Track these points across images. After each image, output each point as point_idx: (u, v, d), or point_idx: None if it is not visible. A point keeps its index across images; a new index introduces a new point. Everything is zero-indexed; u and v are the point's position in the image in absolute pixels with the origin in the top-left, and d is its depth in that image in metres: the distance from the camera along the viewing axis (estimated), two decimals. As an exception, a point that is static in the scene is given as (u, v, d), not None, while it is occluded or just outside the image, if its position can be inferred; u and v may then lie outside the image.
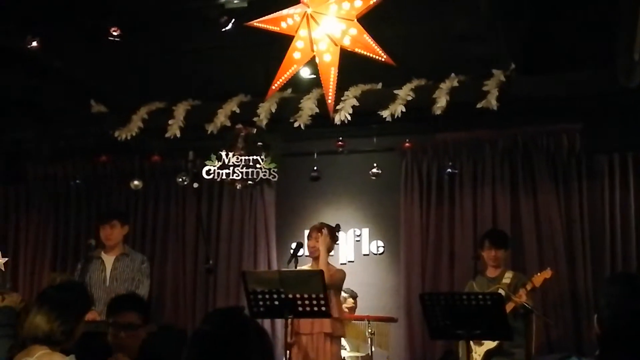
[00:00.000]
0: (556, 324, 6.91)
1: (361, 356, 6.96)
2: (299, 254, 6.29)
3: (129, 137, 7.31)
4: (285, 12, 4.82)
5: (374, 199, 8.07)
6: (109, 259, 6.96)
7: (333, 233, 6.40)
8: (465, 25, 5.82)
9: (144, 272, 7.10)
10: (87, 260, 6.81)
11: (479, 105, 6.36)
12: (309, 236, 6.43)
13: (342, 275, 6.33)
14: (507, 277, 6.63)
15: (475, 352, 6.40)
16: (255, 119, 6.93)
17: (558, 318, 7.00)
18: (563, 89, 6.36)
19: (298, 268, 6.19)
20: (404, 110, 6.55)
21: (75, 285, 3.90)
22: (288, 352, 5.69)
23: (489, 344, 6.30)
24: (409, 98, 6.58)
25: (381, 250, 8.07)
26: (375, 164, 7.38)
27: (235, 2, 5.43)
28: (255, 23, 4.89)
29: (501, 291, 6.15)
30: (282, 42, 5.00)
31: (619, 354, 2.03)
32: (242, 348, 2.30)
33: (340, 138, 7.29)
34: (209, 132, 7.11)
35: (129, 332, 4.19)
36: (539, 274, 6.44)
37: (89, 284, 6.66)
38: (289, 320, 5.63)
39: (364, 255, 8.09)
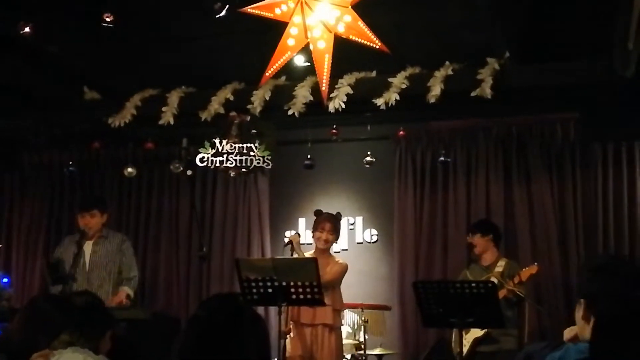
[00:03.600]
0: (549, 312, 6.93)
1: (354, 344, 6.98)
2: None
3: (122, 124, 7.29)
4: (279, -2, 4.82)
5: (367, 187, 8.06)
6: (87, 244, 6.93)
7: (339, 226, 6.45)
8: (460, 13, 5.81)
9: (126, 252, 7.04)
10: (79, 247, 6.78)
11: (473, 94, 6.36)
12: (321, 227, 6.36)
13: (345, 268, 6.35)
14: (500, 265, 6.66)
15: (465, 339, 6.43)
16: (249, 106, 6.92)
17: (551, 306, 7.02)
18: (558, 78, 6.36)
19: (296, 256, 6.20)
20: (398, 98, 6.54)
21: (95, 305, 3.84)
22: (283, 340, 5.70)
23: (476, 332, 6.31)
24: (403, 86, 6.57)
25: (375, 238, 8.07)
26: (369, 152, 7.38)
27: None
28: (249, 9, 4.88)
29: (494, 279, 6.18)
30: (276, 28, 4.99)
31: (615, 342, 2.03)
32: (238, 334, 2.30)
33: (335, 126, 7.28)
34: (202, 119, 7.09)
35: None
36: (526, 268, 6.45)
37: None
38: (287, 308, 5.65)
39: (358, 243, 8.09)
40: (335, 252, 7.65)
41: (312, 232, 6.48)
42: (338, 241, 6.65)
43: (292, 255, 6.15)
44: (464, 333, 6.28)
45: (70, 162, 8.22)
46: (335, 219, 6.39)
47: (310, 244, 6.70)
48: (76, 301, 3.84)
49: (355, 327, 7.05)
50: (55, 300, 4.34)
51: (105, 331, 3.67)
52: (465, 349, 6.36)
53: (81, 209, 7.06)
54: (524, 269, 6.44)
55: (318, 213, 6.50)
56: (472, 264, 6.82)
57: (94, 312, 3.72)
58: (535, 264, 6.51)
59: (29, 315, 4.00)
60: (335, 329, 6.22)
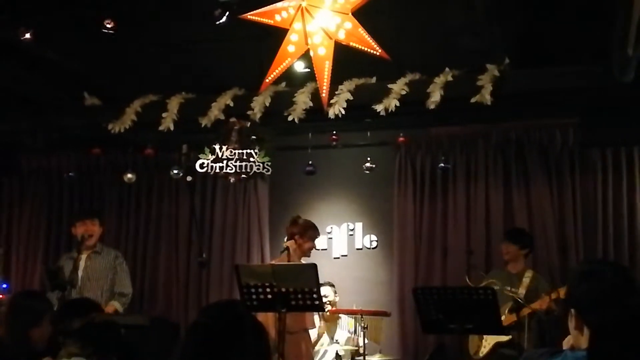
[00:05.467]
0: (547, 318, 6.92)
1: (353, 350, 6.98)
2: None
3: (122, 130, 7.28)
4: (279, 4, 4.81)
5: (367, 193, 8.07)
6: (82, 258, 6.88)
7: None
8: (460, 19, 5.81)
9: (119, 268, 7.02)
10: (75, 259, 6.74)
11: (472, 100, 6.35)
12: (317, 236, 6.50)
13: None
14: (527, 277, 6.72)
15: (486, 340, 6.48)
16: (249, 112, 6.91)
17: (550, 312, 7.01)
18: (557, 83, 6.35)
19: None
20: (398, 104, 6.54)
21: (110, 325, 3.84)
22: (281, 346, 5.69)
23: (501, 337, 6.32)
24: (403, 92, 6.56)
25: (374, 244, 8.08)
26: (369, 158, 7.39)
27: (229, -5, 5.40)
28: (250, 16, 4.88)
29: (522, 290, 6.41)
30: (277, 35, 4.99)
31: (613, 349, 2.03)
32: (239, 341, 2.30)
33: (334, 132, 7.29)
34: (202, 125, 7.08)
35: None
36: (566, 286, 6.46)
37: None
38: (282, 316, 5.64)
39: (358, 249, 8.10)
40: (334, 258, 7.69)
41: (303, 240, 6.41)
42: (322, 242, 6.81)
43: (289, 260, 6.15)
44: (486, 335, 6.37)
45: (70, 168, 8.23)
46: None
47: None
48: (95, 318, 3.83)
49: (354, 333, 7.05)
50: (30, 293, 4.39)
51: (114, 352, 3.67)
52: (485, 350, 6.42)
53: (83, 217, 7.07)
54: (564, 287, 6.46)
55: (303, 222, 6.48)
56: (495, 268, 6.89)
57: (111, 334, 3.72)
58: None
59: (12, 314, 4.04)
60: (306, 332, 6.38)
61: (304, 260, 6.45)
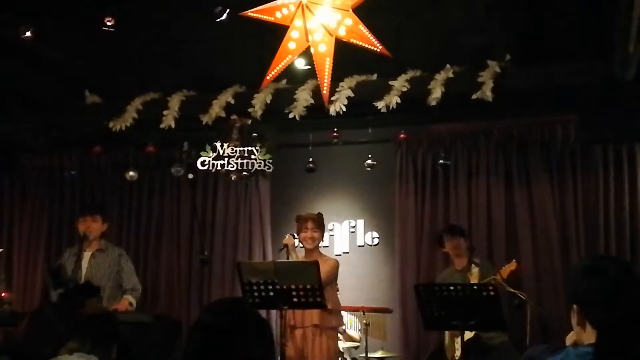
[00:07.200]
0: (550, 314, 6.92)
1: (355, 346, 6.99)
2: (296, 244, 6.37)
3: (123, 128, 7.29)
4: (280, 1, 4.82)
5: (369, 190, 8.07)
6: (85, 256, 6.87)
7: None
8: (461, 16, 5.81)
9: (125, 266, 6.96)
10: (78, 257, 6.73)
11: (474, 97, 6.35)
12: (304, 227, 6.40)
13: (336, 264, 6.34)
14: (475, 268, 6.67)
15: (457, 343, 6.46)
16: (250, 109, 6.92)
17: (552, 308, 7.02)
18: (558, 80, 6.35)
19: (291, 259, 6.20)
20: (399, 101, 6.54)
21: (108, 317, 3.84)
22: (282, 346, 5.68)
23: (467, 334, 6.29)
24: (404, 89, 6.57)
25: (376, 241, 8.09)
26: (370, 155, 7.38)
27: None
28: (250, 13, 4.89)
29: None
30: (277, 32, 5.00)
31: (619, 345, 2.03)
32: (243, 338, 2.30)
33: (335, 129, 7.28)
34: (203, 123, 7.09)
35: None
36: (505, 267, 6.45)
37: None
38: (284, 312, 5.64)
39: (359, 246, 8.10)
40: (336, 255, 7.66)
41: (297, 235, 6.46)
42: (324, 239, 6.76)
43: (288, 258, 6.15)
44: (456, 338, 6.29)
45: (71, 166, 8.22)
46: (316, 217, 6.44)
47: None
48: (88, 311, 3.83)
49: (357, 330, 7.06)
50: (61, 310, 4.36)
51: (114, 342, 3.68)
52: (458, 353, 6.38)
53: (83, 213, 7.05)
54: (503, 267, 6.44)
55: (298, 218, 6.54)
56: (448, 268, 6.89)
57: (106, 323, 3.72)
58: (514, 260, 6.50)
59: (35, 323, 4.02)
60: (325, 329, 6.18)
61: (322, 250, 6.58)
